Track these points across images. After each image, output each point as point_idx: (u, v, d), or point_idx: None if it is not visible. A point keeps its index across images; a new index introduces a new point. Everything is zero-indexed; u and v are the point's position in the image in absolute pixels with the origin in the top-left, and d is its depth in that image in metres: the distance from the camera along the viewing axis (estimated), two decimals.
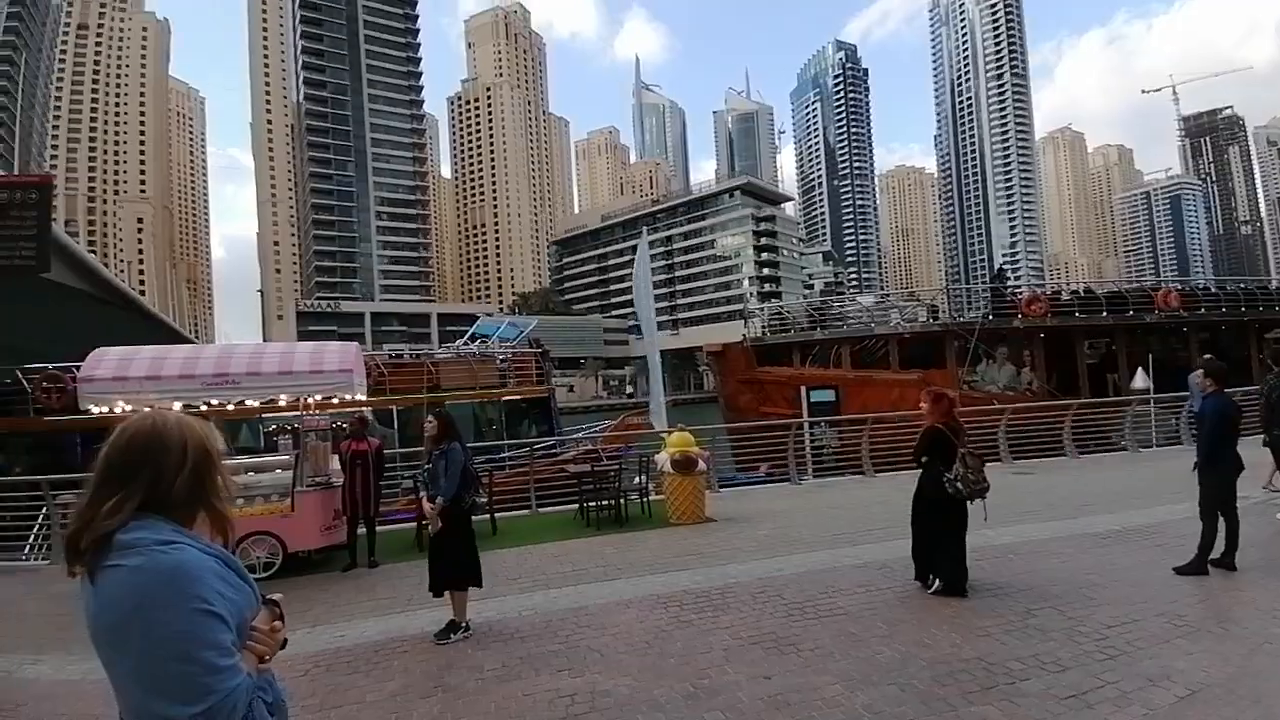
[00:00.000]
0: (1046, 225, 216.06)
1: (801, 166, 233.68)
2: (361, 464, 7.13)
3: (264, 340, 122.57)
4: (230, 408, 7.18)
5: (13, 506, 8.97)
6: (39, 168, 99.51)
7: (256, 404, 7.48)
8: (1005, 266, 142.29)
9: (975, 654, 3.93)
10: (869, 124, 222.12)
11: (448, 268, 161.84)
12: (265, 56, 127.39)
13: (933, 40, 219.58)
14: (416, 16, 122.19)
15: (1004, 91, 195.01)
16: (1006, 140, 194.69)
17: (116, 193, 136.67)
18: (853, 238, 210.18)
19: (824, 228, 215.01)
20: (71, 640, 5.00)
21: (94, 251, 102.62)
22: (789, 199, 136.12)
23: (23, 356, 15.30)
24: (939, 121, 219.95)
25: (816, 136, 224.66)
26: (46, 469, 9.35)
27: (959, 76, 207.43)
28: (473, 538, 5.06)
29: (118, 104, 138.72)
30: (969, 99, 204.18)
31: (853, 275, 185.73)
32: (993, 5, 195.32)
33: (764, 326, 21.77)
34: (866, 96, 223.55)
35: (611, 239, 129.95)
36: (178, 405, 6.75)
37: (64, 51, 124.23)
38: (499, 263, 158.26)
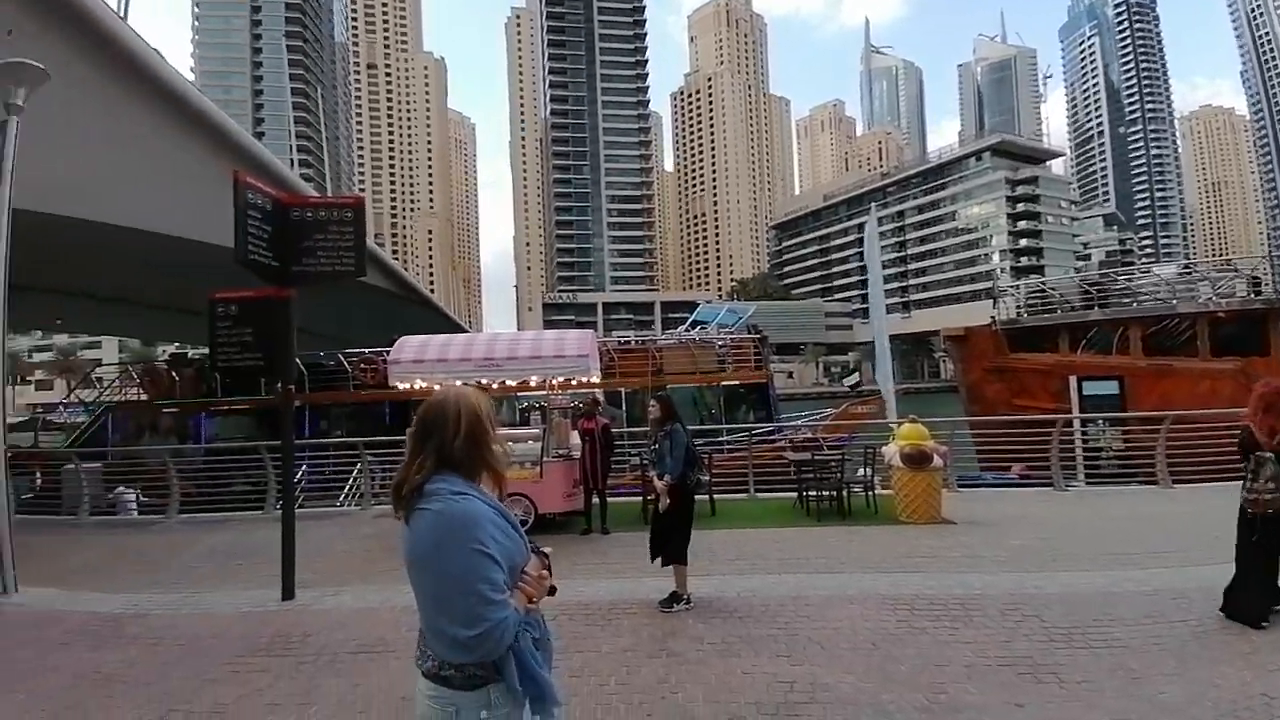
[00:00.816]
0: None
1: (1075, 114, 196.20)
2: (590, 440, 7.85)
3: (518, 329, 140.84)
4: (495, 386, 8.41)
5: (333, 462, 11.33)
6: (349, 190, 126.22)
7: (514, 384, 8.64)
8: None
9: (1262, 689, 3.38)
10: (1162, 59, 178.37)
11: (670, 257, 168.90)
12: (520, 83, 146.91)
13: None
14: (645, 21, 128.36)
15: None
16: None
17: (411, 209, 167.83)
18: (1145, 195, 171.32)
19: (1105, 185, 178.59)
20: (372, 574, 6.11)
21: (397, 258, 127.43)
22: (1057, 154, 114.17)
23: (344, 343, 19.73)
24: (1243, 56, 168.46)
25: (1095, 77, 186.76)
26: (361, 433, 11.79)
27: (1253, 5, 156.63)
28: (691, 515, 5.28)
29: (409, 135, 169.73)
30: (1267, 35, 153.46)
31: (1146, 241, 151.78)
32: None
33: (1019, 306, 18.87)
34: (1157, 26, 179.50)
35: (834, 219, 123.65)
36: (458, 383, 8.08)
37: (358, 88, 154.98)
38: (718, 250, 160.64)
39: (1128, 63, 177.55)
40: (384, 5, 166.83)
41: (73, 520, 9.98)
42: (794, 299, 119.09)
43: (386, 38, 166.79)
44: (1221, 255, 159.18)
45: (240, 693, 3.77)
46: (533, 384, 8.84)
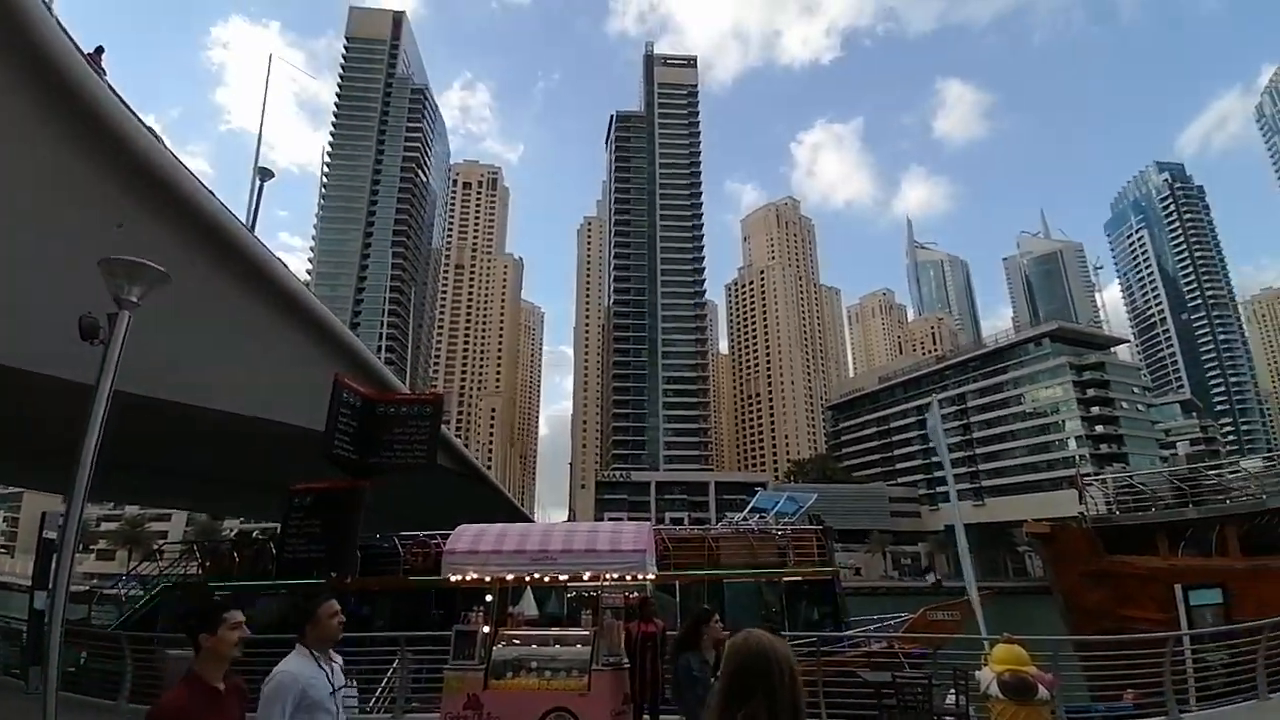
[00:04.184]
0: None
1: (1134, 303, 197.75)
2: (651, 646, 7.25)
3: (569, 505, 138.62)
4: (546, 580, 8.13)
5: (370, 656, 9.61)
6: (425, 373, 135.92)
7: (565, 577, 8.34)
8: None
9: None
10: (1217, 246, 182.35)
11: (725, 437, 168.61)
12: (587, 277, 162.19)
13: (1268, 147, 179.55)
14: (702, 227, 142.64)
15: None
16: None
17: (478, 389, 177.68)
18: (1219, 381, 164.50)
19: (1176, 372, 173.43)
20: None
21: (460, 436, 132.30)
22: (1120, 341, 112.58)
23: (399, 523, 19.71)
24: None
25: (1149, 267, 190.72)
26: (405, 621, 11.12)
27: None
28: None
29: (484, 324, 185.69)
30: None
31: (1227, 428, 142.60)
32: None
33: (1108, 501, 17.39)
34: (1208, 215, 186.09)
35: (892, 400, 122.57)
36: (510, 576, 7.90)
37: (444, 285, 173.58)
38: (774, 430, 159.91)
39: (1181, 252, 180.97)
40: (476, 218, 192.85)
41: (109, 705, 9.58)
42: (854, 481, 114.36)
43: (475, 243, 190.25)
44: None
45: None
46: (585, 578, 8.51)
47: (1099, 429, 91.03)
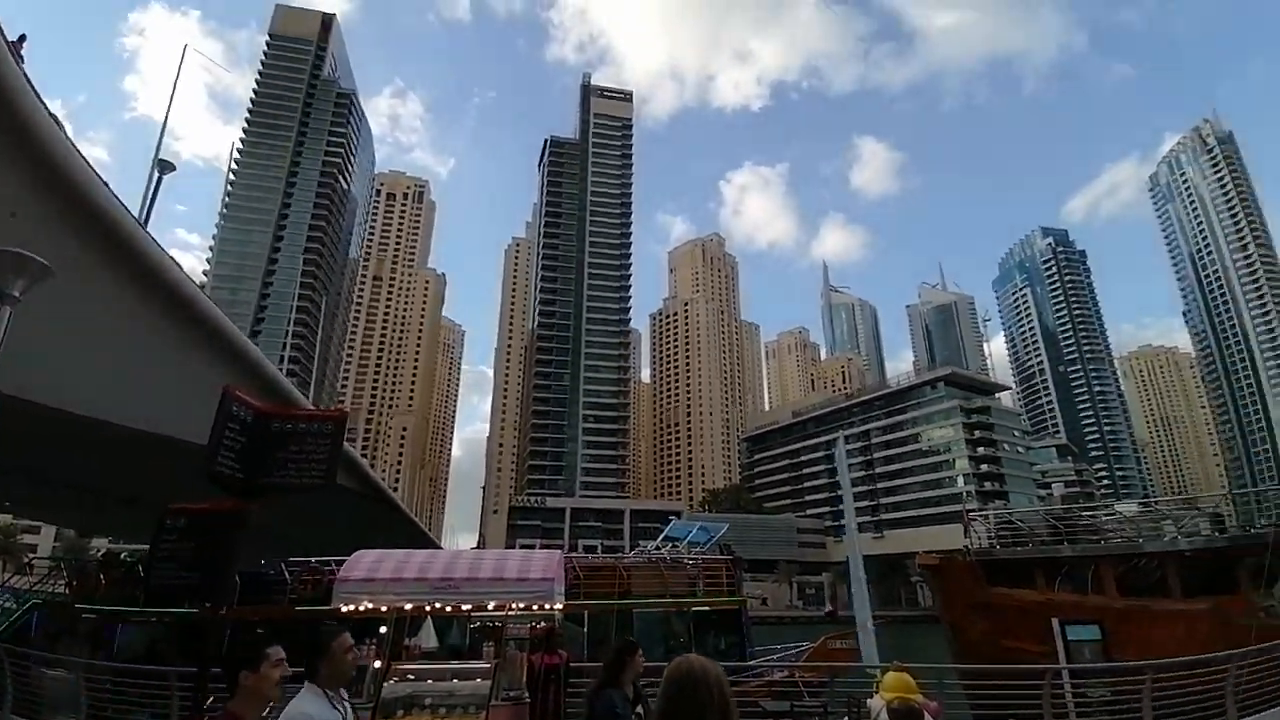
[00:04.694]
0: None
1: (1016, 354, 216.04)
2: (555, 679, 7.05)
3: (480, 530, 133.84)
4: (448, 610, 7.79)
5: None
6: (331, 388, 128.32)
7: (469, 607, 8.02)
8: None
9: None
10: (1095, 306, 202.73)
11: (643, 465, 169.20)
12: (513, 299, 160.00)
13: (1159, 215, 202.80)
14: (630, 257, 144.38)
15: (1252, 264, 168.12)
16: (1268, 316, 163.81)
17: (390, 406, 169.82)
18: (1095, 429, 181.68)
19: (1053, 418, 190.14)
20: None
21: (366, 455, 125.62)
22: (1004, 388, 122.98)
23: (291, 546, 18.42)
24: (1185, 297, 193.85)
25: (1030, 322, 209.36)
26: (290, 655, 10.44)
27: (1199, 250, 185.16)
28: None
29: (400, 339, 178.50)
30: (1216, 272, 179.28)
31: (1102, 473, 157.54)
32: (1220, 178, 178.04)
33: (990, 536, 18.61)
34: (1088, 278, 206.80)
35: (803, 434, 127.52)
36: (408, 605, 7.52)
37: (360, 296, 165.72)
38: (690, 460, 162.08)
39: (1061, 310, 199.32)
40: (399, 230, 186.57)
41: None
42: (766, 512, 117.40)
43: (396, 255, 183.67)
44: (1179, 489, 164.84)
45: None
46: (490, 608, 8.21)
47: (984, 467, 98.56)
